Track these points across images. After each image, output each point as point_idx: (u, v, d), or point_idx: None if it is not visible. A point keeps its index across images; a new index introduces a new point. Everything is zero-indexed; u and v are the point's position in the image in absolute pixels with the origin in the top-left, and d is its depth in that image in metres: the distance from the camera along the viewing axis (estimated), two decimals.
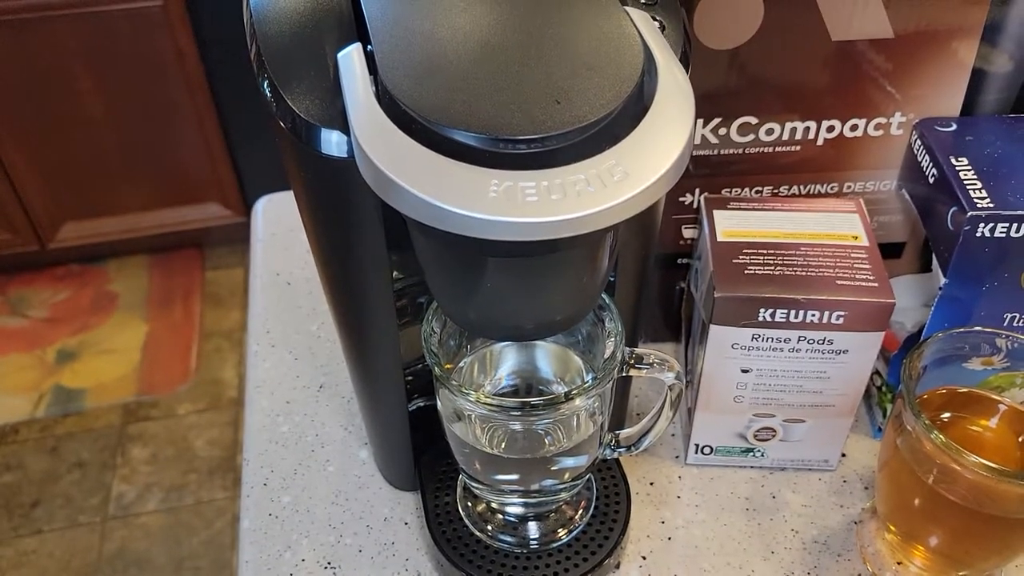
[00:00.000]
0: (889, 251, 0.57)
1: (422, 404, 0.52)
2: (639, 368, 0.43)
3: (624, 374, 0.43)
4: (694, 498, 0.54)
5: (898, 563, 0.50)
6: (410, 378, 0.48)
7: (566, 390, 0.40)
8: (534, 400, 0.41)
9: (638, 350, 0.44)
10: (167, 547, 1.46)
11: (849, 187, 0.55)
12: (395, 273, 0.43)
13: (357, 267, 0.41)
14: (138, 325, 1.82)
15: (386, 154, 0.30)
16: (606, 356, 0.42)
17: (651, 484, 0.55)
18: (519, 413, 0.42)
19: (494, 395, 0.47)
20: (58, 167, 1.74)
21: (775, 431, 0.53)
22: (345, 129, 0.34)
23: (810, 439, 0.53)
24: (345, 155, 0.35)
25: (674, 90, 0.32)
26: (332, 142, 0.35)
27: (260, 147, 1.77)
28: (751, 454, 0.55)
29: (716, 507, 0.53)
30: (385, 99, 0.32)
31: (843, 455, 0.56)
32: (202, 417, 1.66)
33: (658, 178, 0.30)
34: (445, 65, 0.32)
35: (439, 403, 0.45)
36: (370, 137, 0.30)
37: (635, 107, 0.32)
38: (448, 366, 0.46)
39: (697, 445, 0.55)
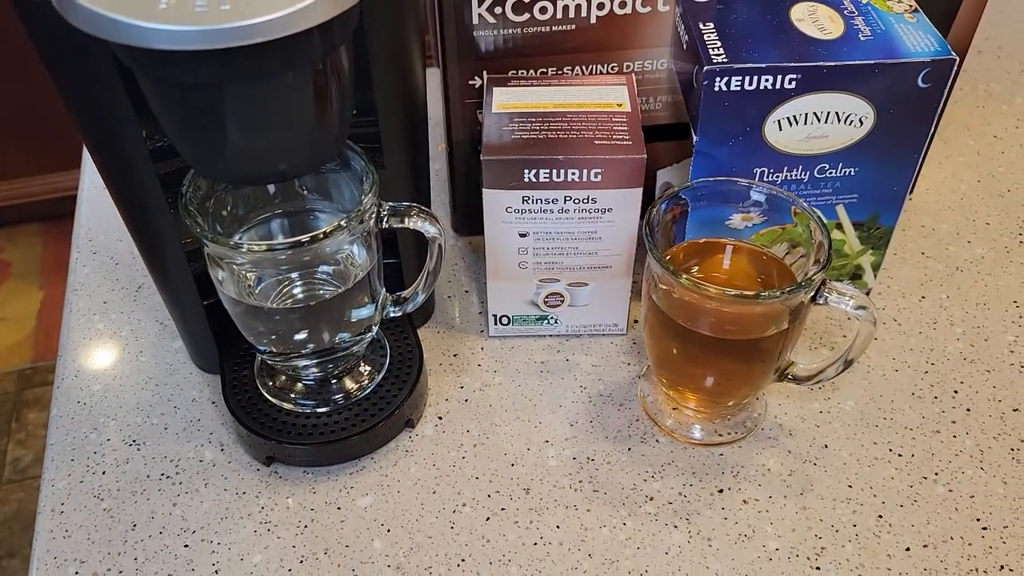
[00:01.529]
0: (675, 132, 0.61)
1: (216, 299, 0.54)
2: (403, 220, 0.46)
3: (388, 225, 0.46)
4: (493, 364, 0.57)
5: (674, 408, 0.54)
6: (198, 272, 0.50)
7: (325, 229, 0.42)
8: (300, 238, 0.42)
9: (404, 204, 0.46)
10: None
11: (628, 67, 0.58)
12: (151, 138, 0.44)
13: (109, 130, 0.42)
14: (33, 292, 1.79)
15: None
16: (360, 200, 0.44)
17: (455, 356, 0.58)
18: (291, 252, 0.44)
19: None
20: None
21: (563, 296, 0.56)
22: None
23: (596, 303, 0.57)
24: None
25: None
26: None
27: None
28: (545, 321, 0.58)
29: (512, 371, 0.57)
30: None
31: (636, 321, 0.59)
32: None
33: None
34: None
35: (211, 271, 0.47)
36: None
37: None
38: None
39: (495, 316, 0.58)
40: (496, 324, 0.58)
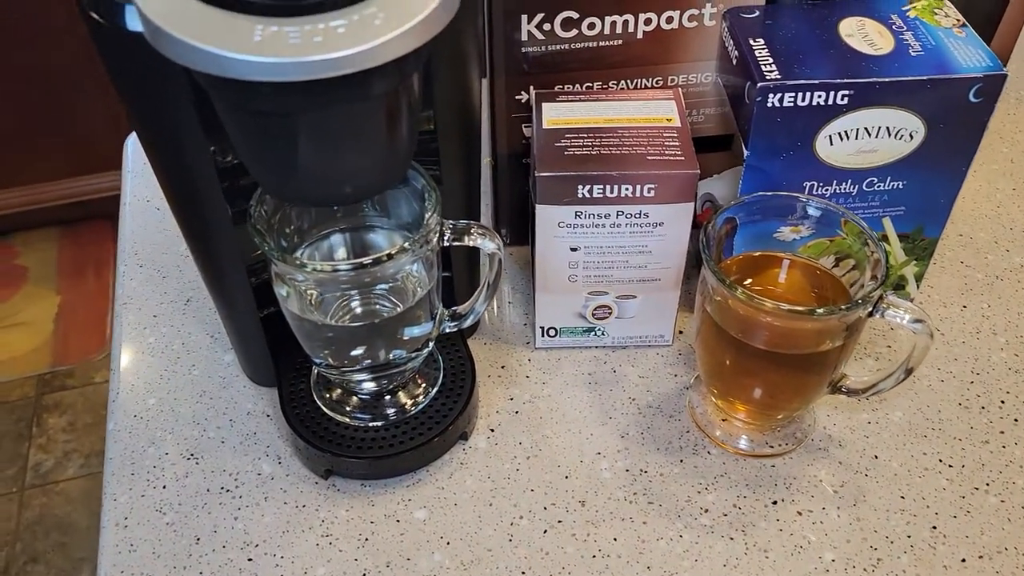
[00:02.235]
0: (718, 143, 0.61)
1: (275, 310, 0.54)
2: (461, 237, 0.46)
3: (448, 243, 0.46)
4: (541, 376, 0.58)
5: (723, 420, 0.54)
6: (257, 284, 0.50)
7: (388, 251, 0.43)
8: (363, 260, 0.43)
9: (462, 222, 0.47)
10: (90, 510, 1.46)
11: (673, 80, 0.59)
12: (221, 159, 0.45)
13: (179, 152, 0.43)
14: (50, 297, 1.80)
15: (160, 9, 0.32)
16: (424, 222, 0.45)
17: (503, 367, 0.58)
18: (353, 273, 0.44)
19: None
20: None
21: (611, 308, 0.57)
22: None
23: (644, 315, 0.57)
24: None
25: None
26: (136, 18, 0.37)
27: None
28: (592, 333, 0.58)
29: (561, 383, 0.57)
30: None
31: (681, 332, 0.60)
32: None
33: (415, 23, 0.33)
34: None
35: (275, 288, 0.47)
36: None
37: None
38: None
39: (543, 328, 0.58)
40: (543, 336, 0.59)
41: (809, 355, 0.48)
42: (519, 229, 0.66)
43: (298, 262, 0.44)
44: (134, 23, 0.37)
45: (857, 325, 0.47)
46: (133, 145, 0.76)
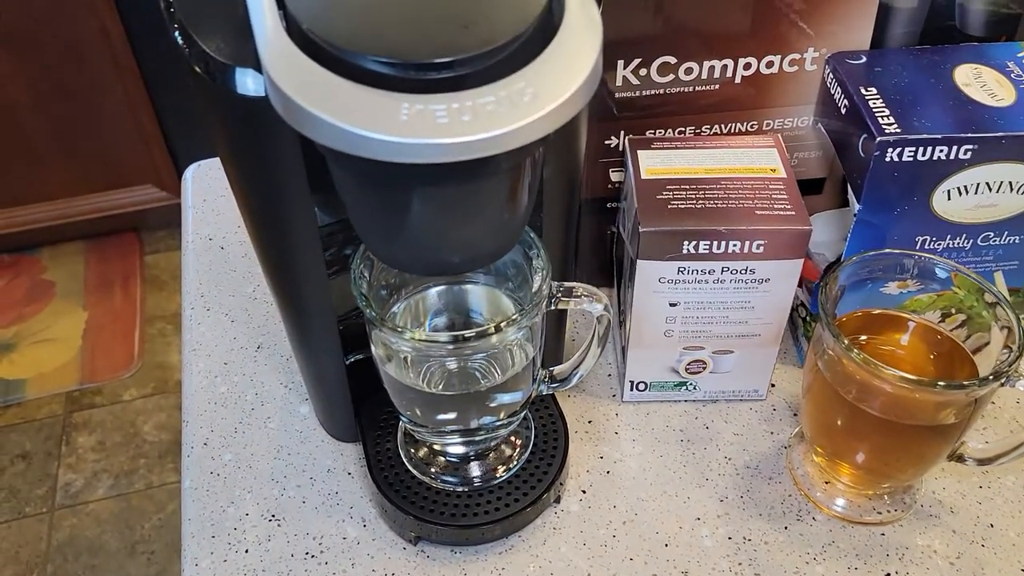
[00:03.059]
0: (810, 187, 0.59)
1: (359, 357, 0.52)
2: (567, 300, 0.44)
3: (553, 307, 0.44)
4: (631, 433, 0.55)
5: (826, 482, 0.52)
6: (342, 328, 0.48)
7: (497, 322, 0.41)
8: (466, 333, 0.41)
9: (567, 284, 0.45)
10: (119, 532, 1.44)
11: (769, 124, 0.56)
12: (321, 219, 0.43)
13: (281, 211, 0.41)
14: (77, 312, 1.78)
15: (296, 83, 0.30)
16: (533, 290, 0.42)
17: (589, 423, 0.56)
18: (452, 346, 0.43)
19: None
20: None
21: (705, 363, 0.55)
22: (259, 67, 0.34)
23: (739, 369, 0.55)
24: (262, 94, 0.35)
25: (581, 14, 0.33)
26: (247, 81, 0.35)
27: (195, 127, 1.74)
28: (684, 388, 0.56)
29: (652, 440, 0.55)
30: (294, 30, 0.32)
31: (772, 385, 0.58)
32: (149, 402, 1.64)
33: (567, 98, 0.30)
34: None
35: (373, 347, 0.45)
36: (279, 68, 0.31)
37: (542, 31, 0.32)
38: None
39: (632, 382, 0.56)
40: (632, 390, 0.56)
41: (930, 427, 0.46)
42: (598, 272, 0.64)
43: (398, 329, 0.42)
44: (245, 86, 0.35)
45: (986, 397, 0.44)
46: (192, 179, 0.74)
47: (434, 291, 0.48)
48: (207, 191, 0.73)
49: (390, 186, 0.34)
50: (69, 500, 1.49)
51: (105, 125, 1.73)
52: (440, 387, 0.47)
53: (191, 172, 0.75)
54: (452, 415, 0.48)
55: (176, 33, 0.37)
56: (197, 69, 0.36)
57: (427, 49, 0.30)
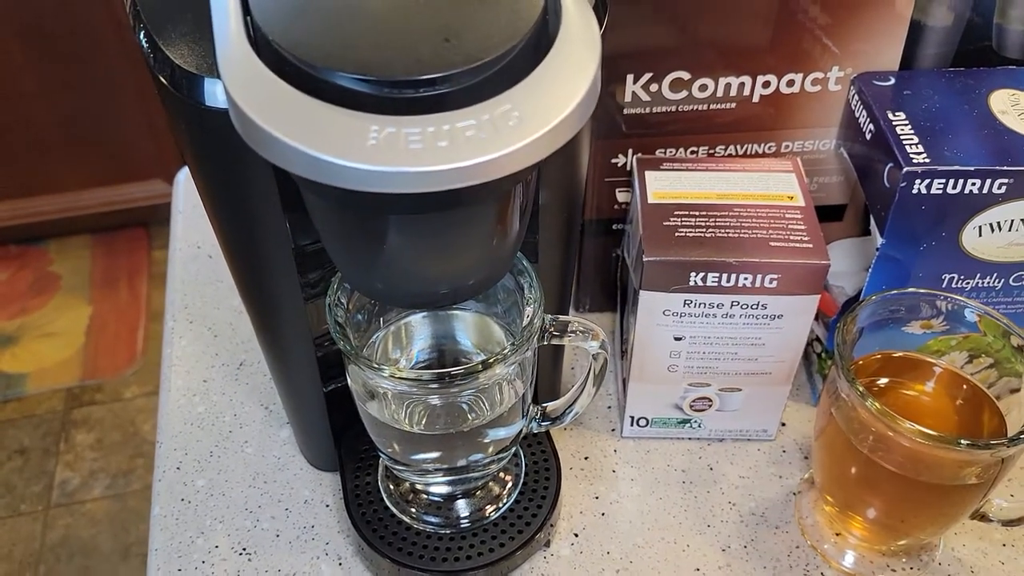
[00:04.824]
0: (830, 213, 0.56)
1: (338, 386, 0.49)
2: (561, 337, 0.41)
3: (546, 343, 0.41)
4: (629, 472, 0.52)
5: (836, 534, 0.48)
6: (322, 354, 0.45)
7: (484, 359, 0.38)
8: (452, 370, 0.38)
9: (561, 318, 0.41)
10: (113, 534, 1.42)
11: (787, 147, 0.53)
12: (302, 237, 0.40)
13: (253, 231, 0.38)
14: (82, 307, 1.77)
15: (254, 98, 0.27)
16: (524, 323, 0.39)
17: (586, 459, 0.53)
18: (437, 385, 0.39)
19: (409, 368, 0.44)
20: None
21: (711, 401, 0.51)
22: None
23: (747, 408, 0.51)
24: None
25: (578, 29, 0.29)
26: (215, 92, 0.32)
27: None
28: (688, 425, 0.53)
29: (652, 480, 0.51)
30: (259, 39, 0.29)
31: (783, 424, 0.54)
32: (150, 401, 1.62)
33: (556, 124, 0.27)
34: (324, 1, 0.29)
35: (350, 381, 0.42)
36: (238, 80, 0.27)
37: (534, 48, 0.29)
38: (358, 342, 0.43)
39: (632, 417, 0.52)
40: (632, 425, 0.53)
41: (952, 485, 0.42)
42: (602, 296, 0.60)
43: (375, 365, 0.38)
44: (213, 99, 0.32)
45: (1015, 457, 0.40)
46: (183, 184, 0.72)
47: (418, 317, 0.45)
48: (198, 196, 0.70)
49: (361, 214, 0.31)
50: (65, 499, 1.47)
51: (115, 118, 1.71)
52: (423, 423, 0.43)
53: (183, 176, 0.72)
54: (436, 454, 0.44)
55: (140, 35, 0.34)
56: (161, 78, 0.33)
57: (402, 64, 0.27)
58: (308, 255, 0.40)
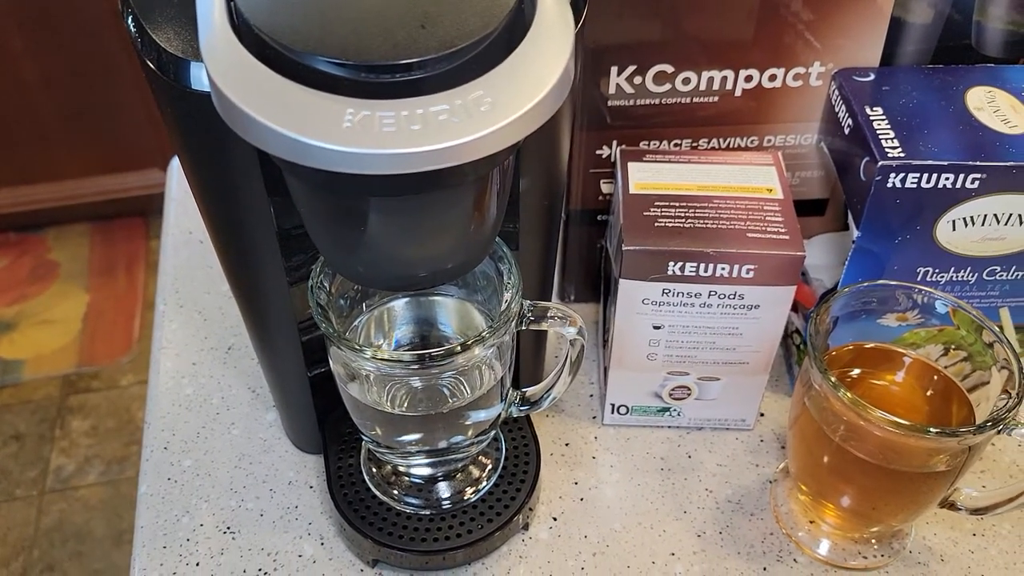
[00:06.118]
0: (811, 208, 0.56)
1: (325, 369, 0.50)
2: (540, 322, 0.42)
3: (525, 327, 0.42)
4: (609, 458, 0.53)
5: (810, 522, 0.49)
6: (307, 339, 0.46)
7: (463, 340, 0.39)
8: (432, 352, 0.39)
9: (540, 304, 0.42)
10: (107, 520, 1.43)
11: (770, 141, 0.54)
12: (286, 221, 0.41)
13: (237, 214, 0.38)
14: (79, 295, 1.77)
15: (234, 80, 0.28)
16: (503, 307, 0.40)
17: (566, 445, 0.54)
18: (417, 366, 0.40)
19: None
20: None
21: (690, 389, 0.52)
22: None
23: (726, 397, 0.52)
24: None
25: (553, 18, 0.30)
26: (201, 76, 0.33)
27: None
28: (667, 413, 0.53)
29: (631, 467, 0.52)
30: (241, 23, 0.29)
31: (762, 414, 0.55)
32: (145, 389, 1.62)
33: (527, 110, 0.28)
34: None
35: (332, 364, 0.43)
36: (218, 62, 0.28)
37: (508, 35, 0.30)
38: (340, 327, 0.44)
39: (613, 405, 0.53)
40: (613, 413, 0.54)
41: (921, 472, 0.43)
42: (586, 287, 0.61)
43: (357, 347, 0.39)
44: (199, 83, 0.33)
45: (981, 445, 0.41)
46: (178, 169, 0.72)
47: (400, 303, 0.45)
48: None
49: (340, 195, 0.32)
50: (60, 484, 1.48)
51: (115, 108, 1.72)
52: (405, 406, 0.44)
53: (177, 161, 0.73)
54: (417, 436, 0.45)
55: (128, 19, 0.35)
56: (148, 62, 0.34)
57: (378, 49, 0.28)
58: (292, 238, 0.41)
